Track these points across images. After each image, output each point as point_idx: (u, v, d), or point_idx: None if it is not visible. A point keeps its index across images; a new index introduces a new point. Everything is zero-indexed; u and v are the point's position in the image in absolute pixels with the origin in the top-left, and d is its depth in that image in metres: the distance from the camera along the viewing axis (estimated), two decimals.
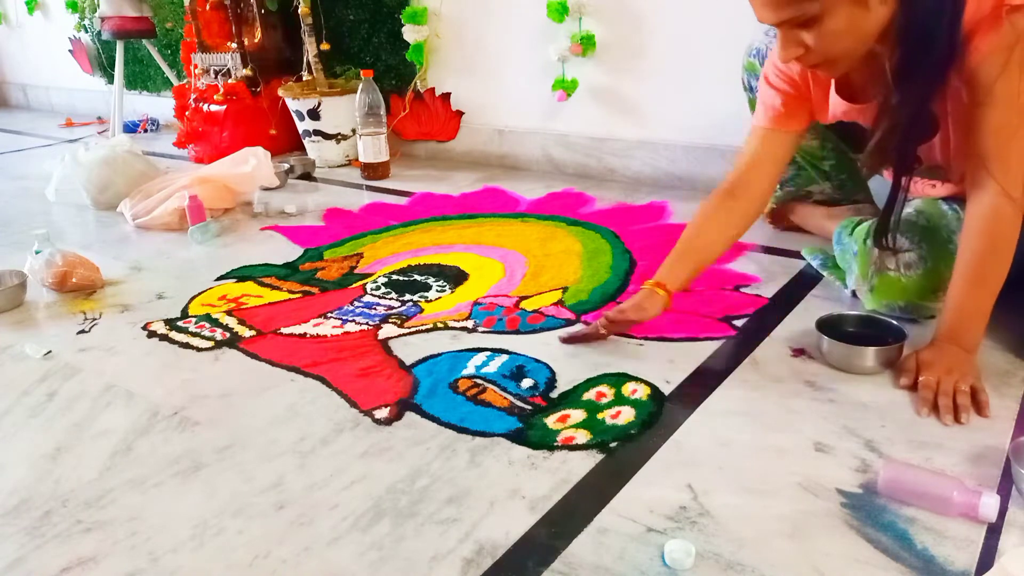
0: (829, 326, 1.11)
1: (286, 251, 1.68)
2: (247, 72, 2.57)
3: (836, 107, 1.15)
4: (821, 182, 1.52)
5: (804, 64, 1.01)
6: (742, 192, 1.22)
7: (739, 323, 1.23)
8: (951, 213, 1.17)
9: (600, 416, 0.98)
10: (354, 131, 2.42)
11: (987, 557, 0.72)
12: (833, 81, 1.13)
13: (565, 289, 1.39)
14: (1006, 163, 0.99)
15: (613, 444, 0.92)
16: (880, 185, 1.58)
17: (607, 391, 1.04)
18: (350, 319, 1.31)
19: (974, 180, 1.02)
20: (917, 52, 0.94)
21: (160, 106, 3.41)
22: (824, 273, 1.39)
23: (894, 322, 1.12)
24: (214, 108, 2.57)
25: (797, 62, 1.00)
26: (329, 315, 1.33)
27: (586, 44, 2.07)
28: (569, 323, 1.26)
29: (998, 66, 0.94)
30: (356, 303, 1.38)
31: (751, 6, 0.97)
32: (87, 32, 3.59)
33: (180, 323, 1.33)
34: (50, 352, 1.24)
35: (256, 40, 2.63)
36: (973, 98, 0.98)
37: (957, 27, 0.93)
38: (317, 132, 2.48)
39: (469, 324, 1.27)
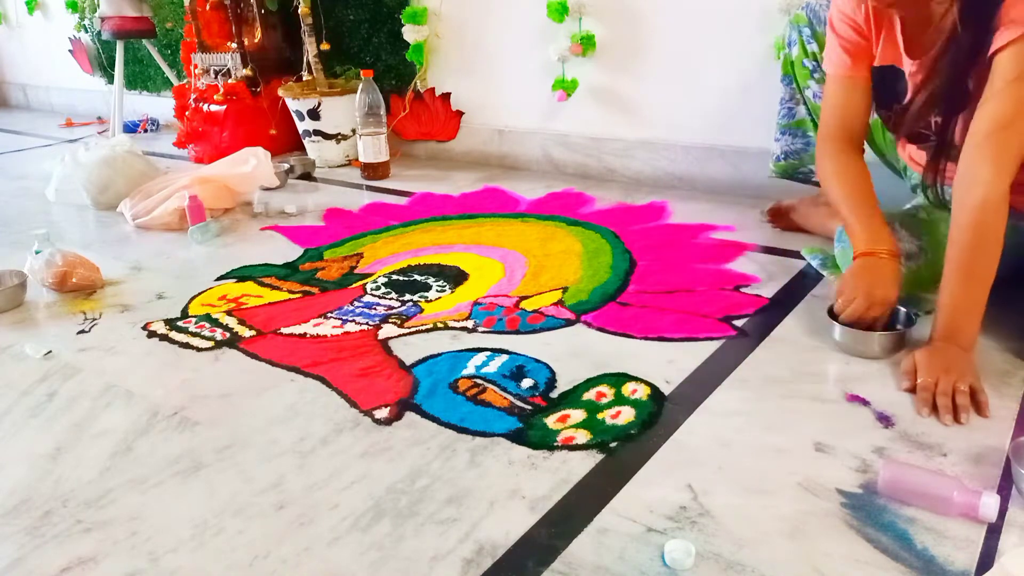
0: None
1: (286, 251, 1.68)
2: (247, 72, 2.57)
3: (892, 50, 1.17)
4: None
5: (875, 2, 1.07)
6: (855, 137, 1.26)
7: (739, 323, 1.23)
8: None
9: (600, 416, 0.98)
10: (354, 131, 2.42)
11: (987, 557, 0.72)
12: (898, 23, 1.14)
13: (565, 289, 1.39)
14: (1001, 155, 0.99)
15: (613, 444, 0.92)
16: (881, 185, 1.58)
17: (607, 391, 1.04)
18: (350, 319, 1.31)
19: (964, 172, 1.03)
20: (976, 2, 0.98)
21: (160, 106, 3.41)
22: (824, 273, 1.39)
23: (903, 308, 1.13)
24: (214, 108, 2.57)
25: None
26: (329, 315, 1.33)
27: (586, 44, 2.07)
28: (569, 323, 1.26)
29: (1014, 64, 0.97)
30: (356, 303, 1.38)
31: None
32: (87, 32, 3.59)
33: (180, 323, 1.33)
34: (50, 352, 1.24)
35: (256, 40, 2.62)
36: (984, 91, 1.00)
37: None
38: (317, 132, 2.48)
39: (469, 324, 1.27)
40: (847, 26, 1.21)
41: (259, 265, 1.60)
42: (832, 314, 1.14)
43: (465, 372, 1.11)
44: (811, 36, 1.46)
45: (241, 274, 1.56)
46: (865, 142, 1.38)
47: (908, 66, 1.17)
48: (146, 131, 3.27)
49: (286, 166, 2.33)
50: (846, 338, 1.11)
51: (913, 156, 1.31)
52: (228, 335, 1.27)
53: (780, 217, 1.68)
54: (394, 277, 1.49)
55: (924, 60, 1.11)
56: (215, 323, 1.32)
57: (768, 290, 1.36)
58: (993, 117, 1.00)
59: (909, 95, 1.14)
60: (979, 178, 1.00)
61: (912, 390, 1.00)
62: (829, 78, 1.27)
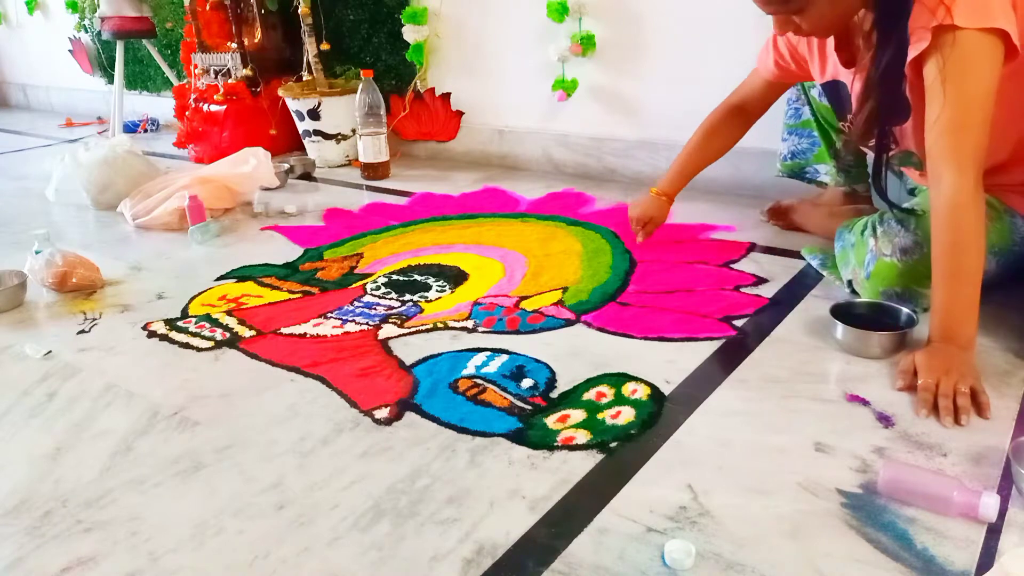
0: (842, 312, 1.14)
1: (286, 251, 1.68)
2: (247, 72, 2.57)
3: (832, 67, 1.25)
4: (829, 160, 1.56)
5: (797, 35, 1.15)
6: (743, 110, 1.50)
7: (739, 323, 1.23)
8: None
9: (600, 416, 0.98)
10: (354, 131, 2.42)
11: (987, 557, 0.72)
12: (830, 40, 1.23)
13: (565, 289, 1.39)
14: (957, 155, 1.02)
15: (613, 444, 0.92)
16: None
17: (607, 391, 1.04)
18: (350, 319, 1.31)
19: (932, 176, 1.05)
20: (887, 17, 1.05)
21: (160, 106, 3.41)
22: (824, 273, 1.39)
23: (905, 309, 1.15)
24: (214, 108, 2.57)
25: (793, 33, 1.14)
26: (329, 315, 1.33)
27: (586, 44, 2.07)
28: (569, 323, 1.26)
29: (938, 70, 1.02)
30: (356, 303, 1.38)
31: None
32: (87, 32, 3.59)
33: (180, 323, 1.33)
34: (50, 352, 1.24)
35: (256, 40, 2.63)
36: (923, 96, 1.05)
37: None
38: (317, 132, 2.48)
39: (469, 324, 1.27)
40: (785, 46, 1.34)
41: (259, 265, 1.60)
42: (834, 313, 1.14)
43: (465, 372, 1.11)
44: None
45: (241, 274, 1.56)
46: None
47: (846, 78, 1.22)
48: (146, 131, 3.27)
49: (286, 166, 2.33)
50: (847, 337, 1.12)
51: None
52: (228, 335, 1.27)
53: (780, 217, 1.68)
54: (394, 277, 1.49)
55: (859, 73, 1.16)
56: (215, 323, 1.32)
57: (768, 290, 1.36)
58: (938, 123, 1.03)
59: (854, 107, 1.19)
60: (943, 182, 1.02)
61: (907, 389, 1.00)
62: (754, 71, 1.45)
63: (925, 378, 0.98)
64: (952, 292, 1.03)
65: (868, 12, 1.09)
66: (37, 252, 1.50)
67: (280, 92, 2.50)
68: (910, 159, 1.24)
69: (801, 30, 1.11)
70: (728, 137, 1.53)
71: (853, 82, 1.20)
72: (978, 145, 1.02)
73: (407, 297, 1.40)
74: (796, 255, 1.50)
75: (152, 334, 1.30)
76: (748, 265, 1.47)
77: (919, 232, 1.15)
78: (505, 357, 1.15)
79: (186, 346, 1.24)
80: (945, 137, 1.02)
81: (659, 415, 0.98)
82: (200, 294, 1.46)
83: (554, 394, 1.05)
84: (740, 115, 1.50)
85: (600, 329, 1.23)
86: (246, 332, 1.28)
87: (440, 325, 1.28)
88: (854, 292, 1.27)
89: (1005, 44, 1.00)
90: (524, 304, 1.34)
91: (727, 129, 1.52)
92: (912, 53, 1.04)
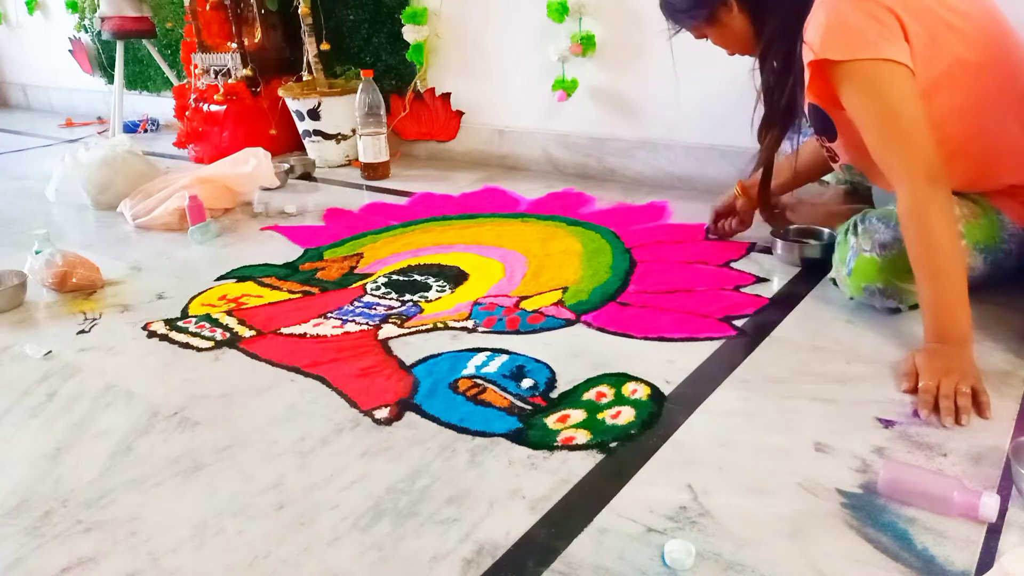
0: (782, 234, 1.50)
1: (286, 251, 1.68)
2: (247, 72, 2.57)
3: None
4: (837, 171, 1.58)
5: (729, 53, 1.35)
6: None
7: (739, 323, 1.23)
8: None
9: (600, 416, 0.98)
10: (354, 131, 2.42)
11: (987, 557, 0.72)
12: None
13: (565, 289, 1.39)
14: (900, 161, 1.06)
15: (613, 444, 0.92)
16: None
17: (607, 391, 1.04)
18: (350, 319, 1.31)
19: (891, 185, 1.09)
20: (768, 45, 1.23)
21: (160, 106, 3.41)
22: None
23: (826, 230, 1.46)
24: (214, 108, 2.57)
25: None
26: (329, 315, 1.33)
27: (586, 44, 2.07)
28: (569, 323, 1.26)
29: (848, 102, 1.09)
30: (356, 303, 1.38)
31: None
32: (87, 32, 3.59)
33: (180, 323, 1.33)
34: (50, 352, 1.24)
35: (256, 40, 2.63)
36: (846, 120, 1.12)
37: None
38: (317, 132, 2.48)
39: (469, 324, 1.27)
40: None
41: (259, 265, 1.60)
42: (776, 234, 1.48)
43: (465, 372, 1.11)
44: None
45: (241, 274, 1.56)
46: None
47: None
48: (146, 131, 3.27)
49: (286, 166, 2.33)
50: (782, 250, 1.46)
51: None
52: (228, 335, 1.27)
53: (779, 215, 1.69)
54: (394, 277, 1.49)
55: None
56: (215, 323, 1.32)
57: (768, 290, 1.36)
58: (871, 148, 1.08)
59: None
60: (899, 195, 1.06)
61: (912, 391, 1.00)
62: None
63: (926, 380, 0.98)
64: (935, 291, 1.04)
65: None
66: (37, 252, 1.50)
67: (280, 92, 2.50)
68: (852, 171, 1.36)
69: (727, 50, 1.32)
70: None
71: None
72: (918, 149, 1.04)
73: (407, 297, 1.40)
74: None
75: (152, 334, 1.30)
76: (748, 265, 1.47)
77: (898, 228, 1.16)
78: (505, 357, 1.15)
79: (186, 346, 1.24)
80: (882, 157, 1.08)
81: (659, 415, 0.98)
82: (200, 294, 1.46)
83: (554, 394, 1.05)
84: None
85: (600, 329, 1.23)
86: (246, 332, 1.28)
87: (440, 325, 1.28)
88: (837, 285, 1.29)
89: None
90: (524, 304, 1.34)
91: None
92: (808, 66, 1.11)
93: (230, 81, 2.59)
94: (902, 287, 1.17)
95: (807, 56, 1.10)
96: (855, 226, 1.23)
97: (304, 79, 2.57)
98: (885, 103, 1.05)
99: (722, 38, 1.29)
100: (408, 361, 1.16)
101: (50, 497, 0.88)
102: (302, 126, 2.51)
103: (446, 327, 1.27)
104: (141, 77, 3.49)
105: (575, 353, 1.16)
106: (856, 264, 1.20)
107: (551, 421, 0.98)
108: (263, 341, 1.25)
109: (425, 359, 1.16)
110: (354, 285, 1.46)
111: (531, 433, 0.95)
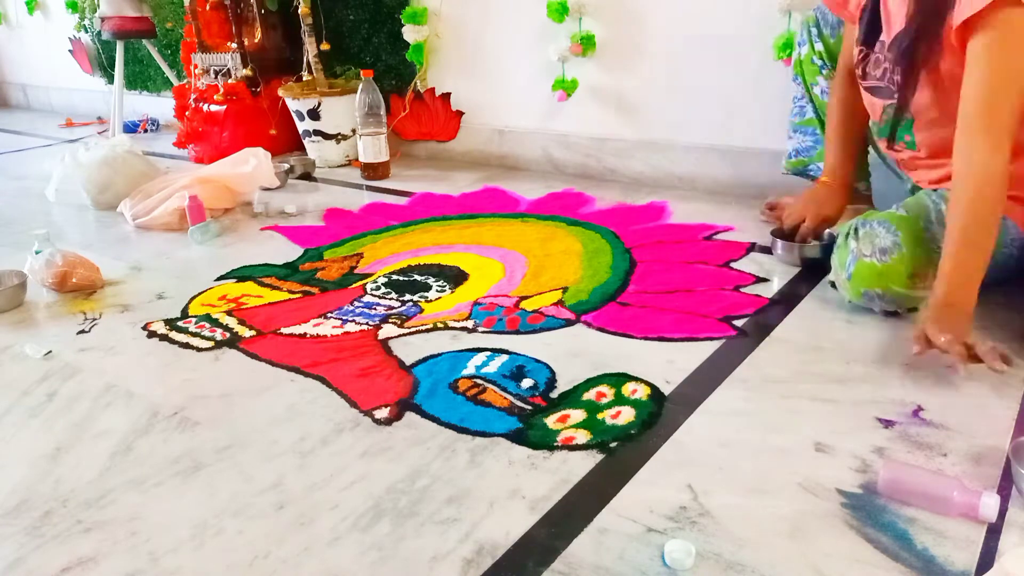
0: (780, 234, 1.48)
1: (286, 251, 1.68)
2: (247, 72, 2.57)
3: None
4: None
5: None
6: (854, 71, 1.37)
7: (739, 323, 1.23)
8: (930, 204, 1.21)
9: (600, 416, 0.98)
10: (354, 131, 2.42)
11: (987, 557, 0.72)
12: None
13: (565, 289, 1.39)
14: (991, 129, 1.04)
15: (613, 444, 0.92)
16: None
17: (607, 391, 1.04)
18: (350, 319, 1.31)
19: (961, 150, 1.07)
20: None
21: (160, 106, 3.41)
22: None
23: (828, 231, 1.41)
24: (214, 108, 2.57)
25: None
26: (329, 315, 1.33)
27: (586, 44, 2.07)
28: (569, 323, 1.26)
29: (983, 40, 1.04)
30: (356, 303, 1.38)
31: None
32: (87, 32, 3.59)
33: (180, 323, 1.33)
34: (50, 352, 1.24)
35: (256, 40, 2.62)
36: (964, 64, 1.07)
37: None
38: (317, 132, 2.48)
39: (469, 324, 1.27)
40: None
41: (259, 265, 1.60)
42: (776, 233, 1.47)
43: (465, 372, 1.11)
44: (818, 35, 1.52)
45: (241, 274, 1.56)
46: (869, 145, 1.42)
47: (887, 6, 1.23)
48: (146, 131, 3.27)
49: (286, 166, 2.33)
50: (782, 250, 1.45)
51: (889, 150, 1.36)
52: (228, 335, 1.27)
53: (777, 214, 1.69)
54: (394, 277, 1.49)
55: (898, 8, 1.19)
56: (215, 323, 1.32)
57: (768, 290, 1.36)
58: (976, 95, 1.05)
59: (884, 36, 1.23)
60: (976, 155, 1.05)
61: (923, 354, 1.02)
62: (847, 27, 1.39)
63: (947, 338, 1.00)
64: (965, 261, 1.05)
65: None
66: (37, 252, 1.50)
67: (280, 92, 2.50)
68: (909, 127, 1.27)
69: None
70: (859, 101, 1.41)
71: (889, 15, 1.22)
72: (1012, 124, 1.04)
73: (407, 297, 1.40)
74: None
75: (152, 334, 1.30)
76: (748, 265, 1.47)
77: (900, 233, 1.17)
78: (505, 357, 1.15)
79: (186, 346, 1.24)
80: (983, 108, 1.05)
81: (659, 415, 0.98)
82: (200, 294, 1.46)
83: (554, 394, 1.05)
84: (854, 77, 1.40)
85: (600, 329, 1.23)
86: (246, 332, 1.28)
87: (440, 325, 1.28)
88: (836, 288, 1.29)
89: None
90: (524, 304, 1.34)
91: (855, 92, 1.40)
92: (958, 16, 1.05)
93: (230, 81, 2.59)
94: (902, 292, 1.17)
95: None
96: (855, 230, 1.23)
97: (304, 79, 2.57)
98: (1014, 64, 1.03)
99: None
100: (408, 361, 1.16)
101: (50, 497, 0.88)
102: (302, 126, 2.51)
103: (446, 327, 1.27)
104: (141, 77, 3.49)
105: (575, 353, 1.16)
106: (856, 269, 1.19)
107: (551, 421, 0.98)
108: (263, 341, 1.25)
109: (425, 359, 1.16)
110: (354, 285, 1.46)
111: (531, 433, 0.95)
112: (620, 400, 1.02)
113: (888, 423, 0.94)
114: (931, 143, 1.26)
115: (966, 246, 1.06)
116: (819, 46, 1.52)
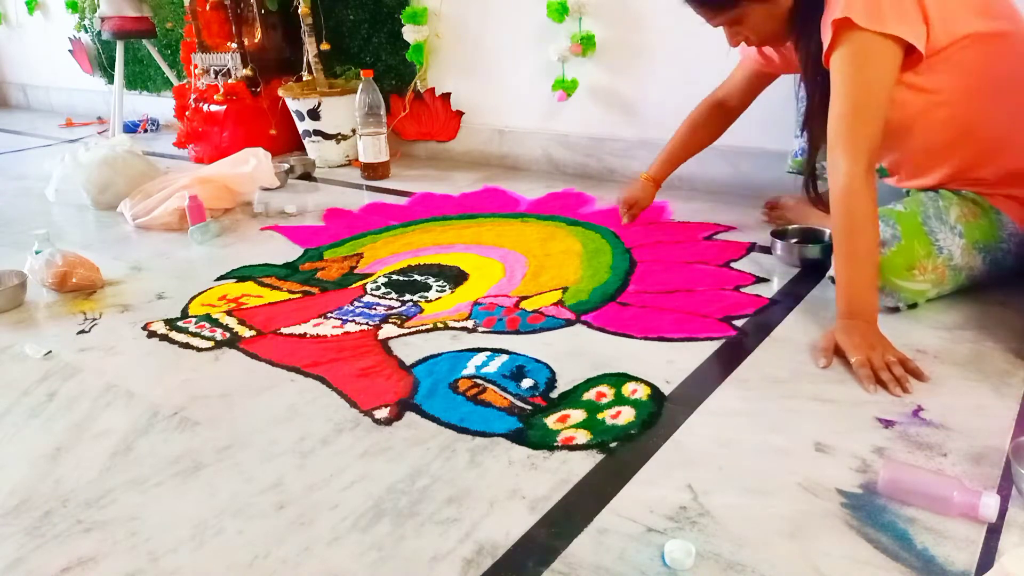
0: (780, 234, 1.50)
1: (286, 251, 1.68)
2: (247, 72, 2.57)
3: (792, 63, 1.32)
4: None
5: (749, 45, 1.29)
6: (731, 103, 1.58)
7: (739, 323, 1.23)
8: (927, 200, 1.23)
9: (600, 416, 0.98)
10: (354, 131, 2.42)
11: (987, 557, 0.72)
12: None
13: (565, 289, 1.39)
14: (850, 144, 1.09)
15: (613, 444, 0.92)
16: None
17: (607, 391, 1.04)
18: (350, 319, 1.31)
19: (829, 167, 1.12)
20: (803, 18, 1.16)
21: (160, 106, 3.41)
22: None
23: (827, 230, 1.41)
24: (214, 108, 2.57)
25: (745, 44, 1.27)
26: (329, 315, 1.33)
27: (586, 44, 2.07)
28: (569, 323, 1.26)
29: (838, 64, 1.10)
30: (356, 303, 1.38)
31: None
32: (87, 32, 3.59)
33: (180, 323, 1.33)
34: (50, 352, 1.24)
35: (256, 40, 2.63)
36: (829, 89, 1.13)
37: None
38: (317, 132, 2.48)
39: (469, 324, 1.27)
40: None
41: (259, 265, 1.60)
42: (776, 234, 1.48)
43: (465, 372, 1.11)
44: None
45: (241, 274, 1.56)
46: None
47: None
48: (146, 131, 3.27)
49: (286, 166, 2.33)
50: (782, 251, 1.45)
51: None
52: (228, 335, 1.27)
53: (777, 213, 1.69)
54: (394, 277, 1.49)
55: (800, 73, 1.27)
56: (215, 323, 1.32)
57: (768, 290, 1.36)
58: (834, 112, 1.11)
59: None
60: (838, 170, 1.10)
61: (828, 366, 1.07)
62: (739, 64, 1.53)
63: (856, 356, 1.05)
64: (853, 272, 1.11)
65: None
66: (37, 252, 1.50)
67: (280, 92, 2.50)
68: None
69: (750, 40, 1.25)
70: (710, 131, 1.63)
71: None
72: (870, 135, 1.09)
73: (407, 297, 1.40)
74: None
75: (152, 334, 1.30)
76: (748, 265, 1.47)
77: (898, 226, 1.19)
78: (505, 357, 1.15)
79: (186, 346, 1.24)
80: (840, 125, 1.10)
81: (659, 415, 0.98)
82: (200, 294, 1.46)
83: (554, 394, 1.05)
84: (721, 110, 1.59)
85: (600, 329, 1.23)
86: (246, 332, 1.28)
87: (440, 325, 1.28)
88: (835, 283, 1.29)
89: (905, 49, 1.08)
90: (524, 304, 1.34)
91: (710, 123, 1.61)
92: (824, 46, 1.11)
93: (230, 81, 2.59)
94: (901, 285, 1.18)
95: (829, 16, 1.09)
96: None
97: (304, 79, 2.57)
98: (870, 77, 1.08)
99: (761, 20, 1.19)
100: (408, 361, 1.16)
101: (50, 497, 0.88)
102: (302, 126, 2.51)
103: (446, 327, 1.27)
104: (141, 77, 3.49)
105: (575, 353, 1.16)
106: None
107: (551, 421, 0.98)
108: (263, 341, 1.25)
109: (425, 359, 1.16)
110: (354, 285, 1.46)
111: (531, 433, 0.95)
112: (620, 400, 1.02)
113: (888, 423, 0.94)
114: (898, 162, 1.30)
115: (849, 258, 1.11)
116: None
